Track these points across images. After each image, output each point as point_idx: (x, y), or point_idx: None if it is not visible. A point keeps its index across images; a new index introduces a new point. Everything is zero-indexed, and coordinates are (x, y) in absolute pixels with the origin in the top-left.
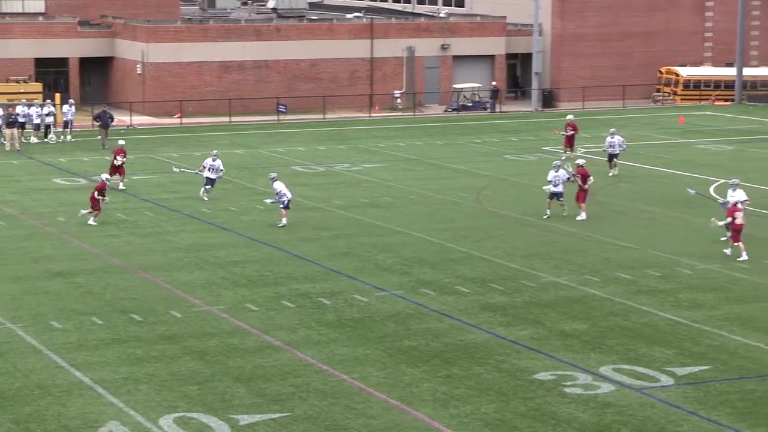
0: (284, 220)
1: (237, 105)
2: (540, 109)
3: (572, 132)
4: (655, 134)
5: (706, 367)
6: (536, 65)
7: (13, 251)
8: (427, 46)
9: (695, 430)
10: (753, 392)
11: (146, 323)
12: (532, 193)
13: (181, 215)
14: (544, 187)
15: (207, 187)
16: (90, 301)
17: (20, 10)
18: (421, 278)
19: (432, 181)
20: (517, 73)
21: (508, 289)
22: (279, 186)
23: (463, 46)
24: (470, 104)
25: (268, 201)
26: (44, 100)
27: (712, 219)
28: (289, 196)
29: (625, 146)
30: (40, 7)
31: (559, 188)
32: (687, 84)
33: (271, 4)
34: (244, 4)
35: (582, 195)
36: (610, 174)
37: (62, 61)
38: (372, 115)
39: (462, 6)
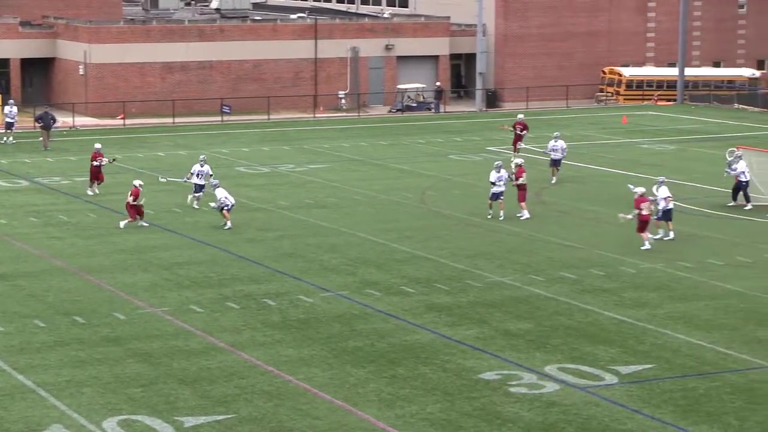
0: (228, 223)
1: (180, 106)
2: (484, 109)
3: (522, 131)
4: (599, 134)
5: (649, 366)
6: (480, 65)
7: None
8: (371, 47)
9: (639, 428)
10: (695, 390)
11: (89, 326)
12: (476, 193)
13: (125, 217)
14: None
15: (197, 194)
16: (32, 303)
17: None
18: (366, 279)
19: (377, 181)
20: (461, 73)
21: (453, 289)
22: (221, 193)
23: (407, 46)
24: (414, 105)
25: (213, 205)
26: None
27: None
28: (233, 201)
29: (565, 153)
30: None
31: (501, 188)
32: (630, 84)
33: (214, 5)
34: (188, 4)
35: (522, 194)
36: (552, 181)
37: (3, 62)
38: (316, 115)
39: (406, 6)
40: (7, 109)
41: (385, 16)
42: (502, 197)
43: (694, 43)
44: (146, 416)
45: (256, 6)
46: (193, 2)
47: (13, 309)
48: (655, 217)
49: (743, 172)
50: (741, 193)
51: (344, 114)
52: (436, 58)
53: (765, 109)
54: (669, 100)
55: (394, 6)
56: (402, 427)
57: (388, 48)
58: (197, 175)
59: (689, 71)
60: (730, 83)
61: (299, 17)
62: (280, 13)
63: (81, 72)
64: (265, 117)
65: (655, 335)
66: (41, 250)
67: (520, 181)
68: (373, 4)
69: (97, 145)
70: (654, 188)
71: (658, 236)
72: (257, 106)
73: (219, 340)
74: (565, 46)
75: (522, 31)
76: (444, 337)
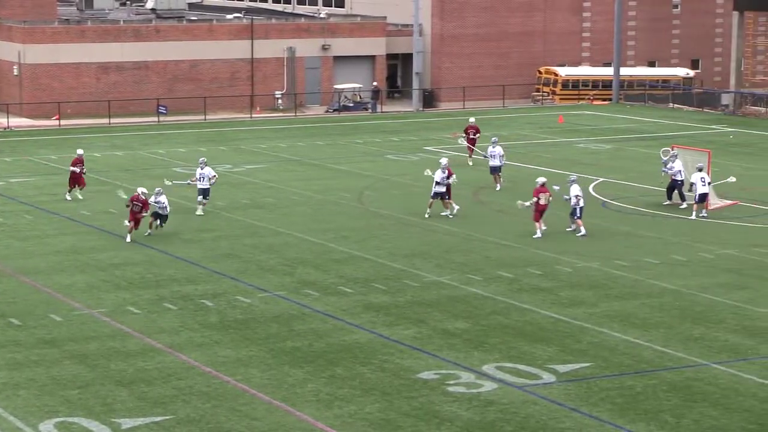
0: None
1: (116, 106)
2: (421, 109)
3: (475, 134)
4: (536, 133)
5: (587, 364)
6: (417, 65)
7: None
8: (307, 47)
9: (577, 426)
10: (632, 388)
11: (25, 327)
12: (413, 193)
13: (61, 218)
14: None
15: (203, 200)
16: None
17: None
18: (304, 279)
19: (314, 181)
20: (397, 73)
21: (390, 289)
22: (164, 199)
23: (343, 46)
24: (351, 104)
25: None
26: None
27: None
28: (168, 210)
29: (503, 160)
30: None
31: (443, 188)
32: (566, 84)
33: (150, 5)
34: (123, 4)
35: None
36: (498, 189)
37: None
38: (253, 116)
39: (342, 6)
40: None
41: (322, 16)
42: (446, 197)
43: (629, 43)
44: (83, 418)
45: (191, 6)
46: (128, 2)
47: None
48: (577, 216)
49: (679, 171)
50: (676, 192)
51: (281, 114)
52: (372, 58)
53: (699, 109)
54: (604, 100)
55: (330, 6)
56: (340, 427)
57: (324, 48)
58: (200, 179)
59: (624, 71)
60: (664, 83)
61: (235, 17)
62: (216, 13)
63: (15, 72)
64: (202, 117)
65: (592, 334)
66: None
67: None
68: (309, 5)
69: (79, 151)
70: (567, 186)
71: (570, 229)
72: (194, 106)
73: (156, 341)
74: (502, 46)
75: (458, 31)
76: (382, 337)
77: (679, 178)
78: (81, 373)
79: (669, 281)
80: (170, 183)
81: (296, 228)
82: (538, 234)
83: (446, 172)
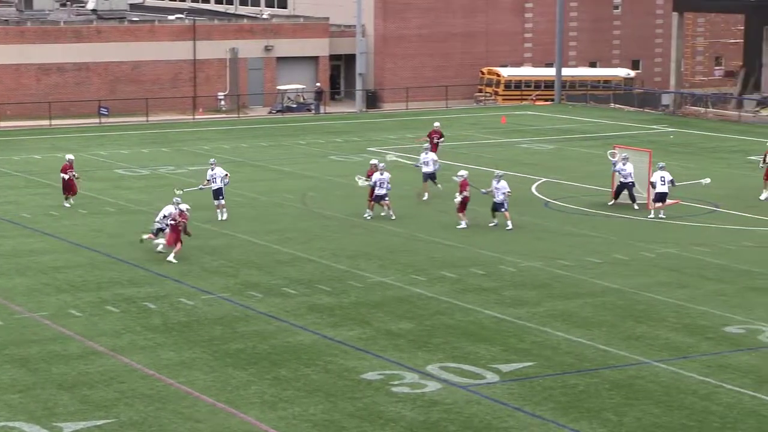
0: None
1: (57, 108)
2: (364, 110)
3: (439, 139)
4: (479, 134)
5: (530, 364)
6: (360, 66)
7: None
8: (250, 48)
9: (520, 425)
10: (575, 386)
11: None
12: (357, 194)
13: (1, 221)
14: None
15: (221, 203)
16: None
17: None
18: (248, 280)
19: (257, 183)
20: (340, 74)
21: (335, 290)
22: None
23: (286, 47)
24: (295, 106)
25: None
26: None
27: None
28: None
29: (438, 165)
30: None
31: (383, 191)
32: (508, 84)
33: (90, 6)
34: (63, 5)
35: (373, 192)
36: (424, 197)
37: None
38: (196, 117)
39: (285, 7)
40: None
41: (264, 17)
42: (386, 198)
43: (571, 43)
44: (24, 423)
45: (133, 7)
46: (68, 3)
47: None
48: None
49: (630, 174)
50: (627, 193)
51: (224, 115)
52: (315, 59)
53: (640, 109)
54: (547, 100)
55: (273, 7)
56: (284, 429)
57: (267, 49)
58: (212, 180)
59: (566, 71)
60: (606, 83)
61: (177, 18)
62: (157, 14)
63: None
64: (144, 119)
65: (536, 333)
66: None
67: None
68: (251, 5)
69: (69, 156)
70: (493, 182)
71: (492, 224)
72: (136, 107)
73: (98, 344)
74: (444, 47)
75: (401, 31)
76: (326, 338)
77: (630, 180)
78: (22, 377)
79: (611, 280)
80: (181, 192)
81: (240, 229)
82: (463, 224)
83: (383, 174)
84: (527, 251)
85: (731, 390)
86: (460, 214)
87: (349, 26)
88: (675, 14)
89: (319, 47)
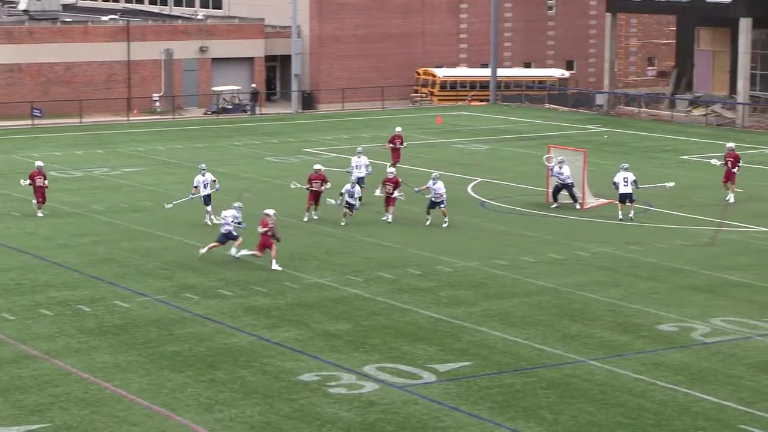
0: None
1: None
2: (300, 111)
3: (401, 144)
4: (414, 134)
5: (467, 363)
6: (295, 67)
7: None
8: (185, 49)
9: (457, 425)
10: (512, 386)
11: None
12: (293, 195)
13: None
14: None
15: (208, 208)
16: None
17: None
18: (184, 282)
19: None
20: (276, 75)
21: (271, 291)
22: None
23: (221, 48)
24: (230, 107)
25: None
26: None
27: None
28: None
29: (371, 170)
30: None
31: (320, 190)
32: (444, 85)
33: (22, 6)
34: None
35: (312, 196)
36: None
37: None
38: (130, 118)
39: (220, 8)
40: None
41: (199, 17)
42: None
43: (506, 44)
44: None
45: (66, 7)
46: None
47: None
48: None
49: (568, 176)
50: (567, 193)
51: (159, 117)
52: (251, 59)
53: (574, 109)
54: (482, 101)
55: (208, 8)
56: (221, 431)
57: (202, 50)
58: (203, 186)
59: (501, 72)
60: (540, 83)
61: (111, 19)
62: (91, 14)
63: None
64: (78, 120)
65: (472, 333)
66: None
67: (323, 188)
68: (186, 6)
69: (38, 163)
70: (430, 183)
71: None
72: (69, 109)
73: (32, 348)
74: (380, 48)
75: (337, 32)
76: (263, 340)
77: (569, 181)
78: None
79: (547, 279)
80: (170, 206)
81: (175, 231)
82: (389, 218)
83: (354, 186)
84: (463, 251)
85: (665, 387)
86: (388, 208)
87: (285, 27)
88: (608, 15)
89: (255, 48)
